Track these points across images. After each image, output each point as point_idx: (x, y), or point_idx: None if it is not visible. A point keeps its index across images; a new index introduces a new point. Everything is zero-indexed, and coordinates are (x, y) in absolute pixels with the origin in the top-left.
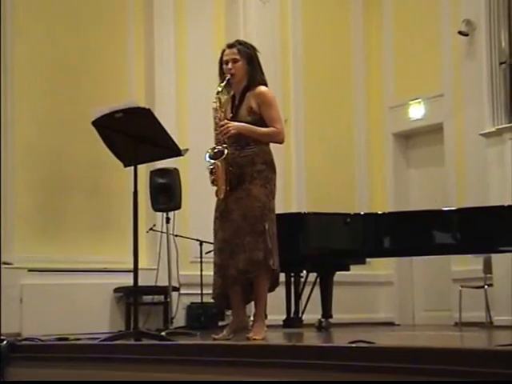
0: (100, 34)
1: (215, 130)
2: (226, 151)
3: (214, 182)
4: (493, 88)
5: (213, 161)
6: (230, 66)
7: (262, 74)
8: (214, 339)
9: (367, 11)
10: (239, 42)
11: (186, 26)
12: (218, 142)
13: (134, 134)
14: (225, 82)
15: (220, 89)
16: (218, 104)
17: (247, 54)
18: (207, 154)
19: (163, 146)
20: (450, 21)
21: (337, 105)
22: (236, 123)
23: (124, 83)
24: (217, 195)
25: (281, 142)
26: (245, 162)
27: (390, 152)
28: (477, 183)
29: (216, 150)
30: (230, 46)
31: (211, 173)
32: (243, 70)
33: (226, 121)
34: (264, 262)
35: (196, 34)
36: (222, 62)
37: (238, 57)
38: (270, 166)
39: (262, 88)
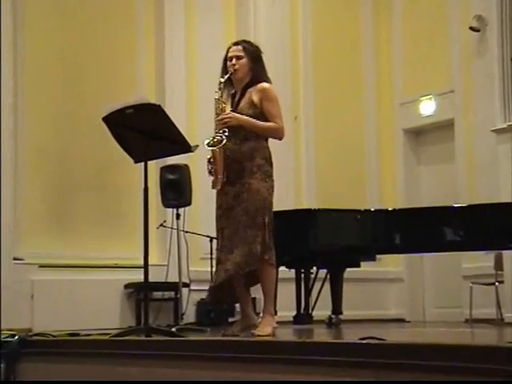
0: (110, 31)
1: (215, 119)
2: (224, 140)
3: (211, 172)
4: (504, 84)
5: (212, 148)
6: (233, 61)
7: (266, 73)
8: (224, 335)
9: (377, 7)
10: (245, 41)
11: (196, 23)
12: (217, 132)
13: (145, 131)
14: (227, 75)
15: (222, 80)
16: (219, 95)
17: (252, 52)
18: (206, 142)
19: (173, 143)
20: (460, 16)
21: (347, 101)
22: (238, 115)
23: (134, 80)
24: (213, 187)
25: (280, 138)
26: (243, 158)
27: (400, 148)
28: (488, 179)
29: (215, 139)
30: (235, 44)
31: (209, 162)
32: (247, 67)
33: (228, 112)
34: (260, 255)
35: (206, 30)
36: (226, 59)
37: (242, 54)
38: (269, 161)
39: (265, 84)
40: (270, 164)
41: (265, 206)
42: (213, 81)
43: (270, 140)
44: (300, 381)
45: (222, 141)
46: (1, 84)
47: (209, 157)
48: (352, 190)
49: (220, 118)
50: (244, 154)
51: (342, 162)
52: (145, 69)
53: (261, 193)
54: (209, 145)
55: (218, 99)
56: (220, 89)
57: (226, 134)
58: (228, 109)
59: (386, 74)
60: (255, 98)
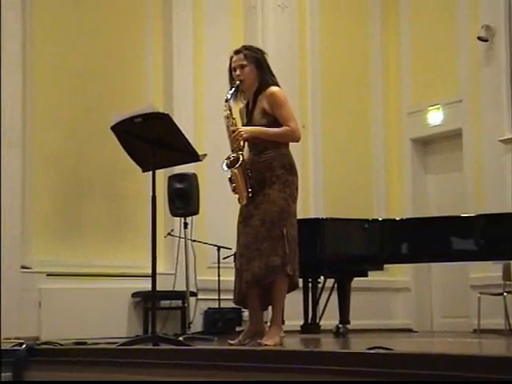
0: (118, 39)
1: (229, 137)
2: (240, 158)
3: (234, 190)
4: None
5: (230, 169)
6: (238, 72)
7: (273, 75)
8: (230, 344)
9: (385, 17)
10: (245, 47)
11: (205, 32)
12: (233, 150)
13: (153, 139)
14: (233, 89)
15: (229, 96)
16: (228, 111)
17: (254, 58)
18: (224, 164)
19: (181, 151)
20: (468, 26)
21: (355, 110)
22: (247, 127)
23: (142, 88)
24: (239, 202)
25: (297, 141)
26: (263, 168)
27: (408, 158)
28: (495, 189)
29: (232, 158)
30: (236, 52)
31: (231, 181)
32: (252, 74)
33: (237, 126)
34: (281, 268)
35: (214, 39)
36: (231, 69)
37: (245, 62)
38: (290, 169)
39: (273, 88)
40: (291, 172)
41: (282, 217)
42: (221, 89)
43: None
44: None
45: (238, 159)
46: (0, 88)
47: (229, 176)
48: (359, 200)
49: (232, 135)
50: (263, 164)
51: (349, 171)
52: (153, 77)
53: (278, 204)
54: (227, 166)
55: (228, 116)
56: (228, 106)
57: (241, 152)
58: (239, 123)
59: (393, 84)
60: (266, 106)
